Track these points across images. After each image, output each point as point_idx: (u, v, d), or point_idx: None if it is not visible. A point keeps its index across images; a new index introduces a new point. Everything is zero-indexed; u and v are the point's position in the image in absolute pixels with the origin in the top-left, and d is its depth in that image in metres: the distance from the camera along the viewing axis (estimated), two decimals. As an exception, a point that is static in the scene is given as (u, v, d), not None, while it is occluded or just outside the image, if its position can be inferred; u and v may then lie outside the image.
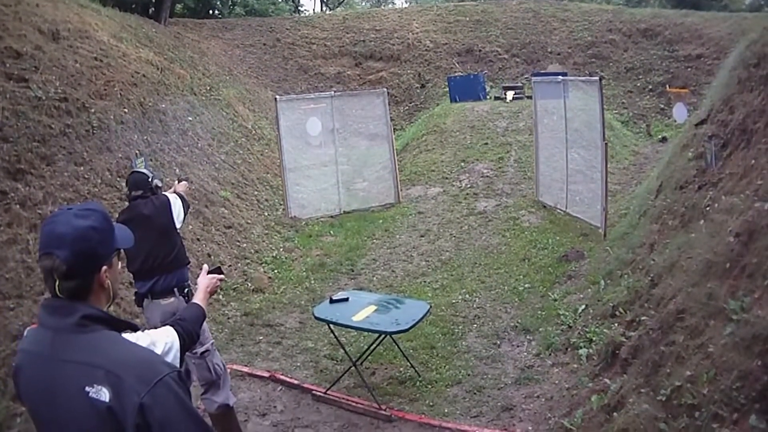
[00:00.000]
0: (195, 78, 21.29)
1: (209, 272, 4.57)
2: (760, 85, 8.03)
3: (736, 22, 29.72)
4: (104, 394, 2.68)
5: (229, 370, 8.16)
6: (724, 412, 4.67)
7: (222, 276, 4.67)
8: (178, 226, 7.58)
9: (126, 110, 14.45)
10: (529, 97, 21.73)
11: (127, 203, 7.69)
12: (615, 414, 6.42)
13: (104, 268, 2.99)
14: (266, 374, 9.59)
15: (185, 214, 7.86)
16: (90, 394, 2.70)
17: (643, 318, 7.51)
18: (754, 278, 5.44)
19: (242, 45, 31.38)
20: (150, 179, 7.58)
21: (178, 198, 7.74)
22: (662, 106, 26.84)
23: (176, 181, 8.53)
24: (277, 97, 18.85)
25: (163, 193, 7.70)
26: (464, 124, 23.54)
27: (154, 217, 7.33)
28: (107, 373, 2.72)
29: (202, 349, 7.25)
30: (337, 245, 15.86)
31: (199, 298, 4.30)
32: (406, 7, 49.87)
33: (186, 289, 7.39)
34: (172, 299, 7.22)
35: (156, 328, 7.14)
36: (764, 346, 4.58)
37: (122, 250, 3.24)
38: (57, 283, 2.87)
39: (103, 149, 12.71)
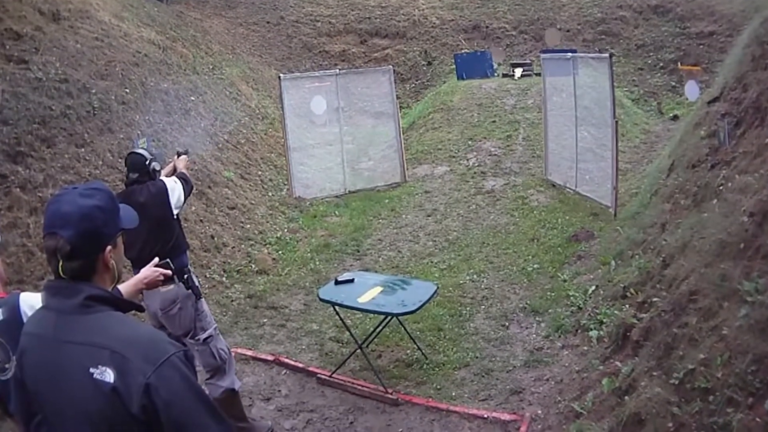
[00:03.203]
0: (197, 57, 21.23)
1: (156, 266, 4.55)
2: (775, 62, 8.00)
3: None
4: (109, 375, 2.68)
5: (233, 354, 8.16)
6: (738, 397, 4.64)
7: (168, 272, 4.63)
8: (175, 212, 7.39)
9: (127, 90, 14.43)
10: (538, 75, 21.61)
11: (124, 186, 7.52)
12: (626, 397, 6.40)
13: (108, 248, 3.00)
14: (270, 358, 9.61)
15: (186, 198, 7.64)
16: (95, 375, 2.70)
17: (654, 299, 7.48)
18: (769, 259, 5.41)
19: (245, 23, 31.16)
20: (147, 162, 7.32)
21: (178, 182, 7.48)
22: (674, 83, 26.65)
23: (175, 156, 8.22)
24: (281, 75, 18.81)
25: (162, 178, 7.45)
26: (471, 102, 23.38)
27: (150, 206, 7.05)
28: (112, 353, 2.72)
29: (205, 335, 7.29)
30: (342, 225, 15.84)
31: (128, 283, 4.31)
32: (412, -17, 49.55)
33: (186, 275, 7.15)
34: (172, 286, 6.80)
35: (156, 315, 6.99)
36: (780, 328, 4.55)
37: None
38: (60, 263, 2.87)
39: (105, 130, 12.70)
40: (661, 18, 29.79)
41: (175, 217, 7.41)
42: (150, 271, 4.47)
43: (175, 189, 7.36)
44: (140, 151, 7.50)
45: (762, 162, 6.95)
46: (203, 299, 7.54)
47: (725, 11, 28.43)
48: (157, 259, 4.65)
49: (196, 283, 7.26)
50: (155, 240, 7.10)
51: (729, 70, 10.37)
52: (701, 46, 27.73)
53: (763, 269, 5.39)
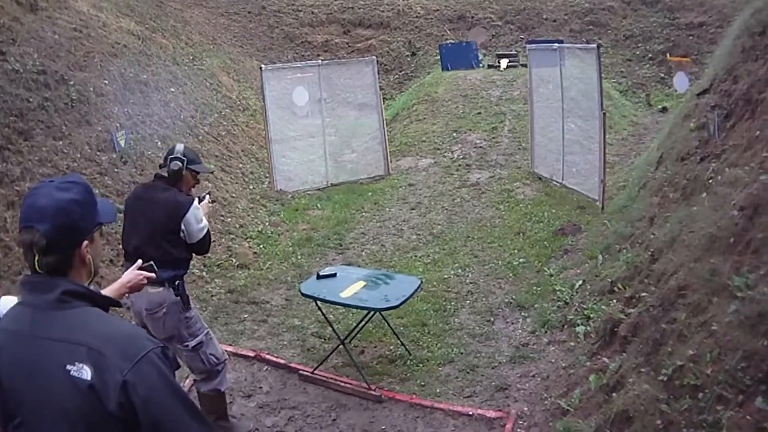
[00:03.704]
0: (177, 48, 21.13)
1: (140, 268, 4.50)
2: (766, 54, 8.00)
3: None
4: (86, 372, 2.67)
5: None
6: (728, 394, 4.65)
7: (152, 275, 4.59)
8: (182, 235, 6.93)
9: (106, 82, 14.35)
10: (524, 65, 21.64)
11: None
12: (614, 394, 6.41)
13: (85, 243, 2.98)
14: (251, 353, 9.55)
15: (198, 242, 7.08)
16: (71, 372, 2.69)
17: (642, 294, 7.50)
18: (759, 254, 5.42)
19: (226, 13, 31.01)
20: (171, 156, 7.02)
21: (203, 225, 7.06)
22: (662, 75, 26.72)
23: (195, 200, 7.47)
24: (263, 66, 18.74)
25: (196, 202, 7.05)
26: (456, 93, 23.41)
27: (162, 209, 6.86)
28: (89, 350, 2.70)
29: (194, 342, 7.11)
30: (324, 219, 15.80)
31: (111, 287, 4.25)
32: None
33: (177, 281, 6.92)
34: (161, 289, 6.76)
35: (140, 314, 6.88)
36: (771, 325, 4.55)
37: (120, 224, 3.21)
38: (37, 258, 2.86)
39: (83, 123, 12.63)
40: (650, 8, 29.87)
41: (182, 237, 6.98)
42: (133, 274, 4.43)
43: (196, 220, 6.97)
44: (176, 146, 7.25)
45: (752, 155, 6.96)
46: (194, 307, 7.32)
47: (715, 2, 28.52)
48: (140, 261, 4.60)
49: (186, 292, 7.09)
50: (154, 244, 6.84)
51: (719, 62, 10.40)
52: (691, 37, 27.81)
53: (753, 264, 5.40)
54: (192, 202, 6.97)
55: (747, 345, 4.68)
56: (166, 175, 7.06)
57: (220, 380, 7.39)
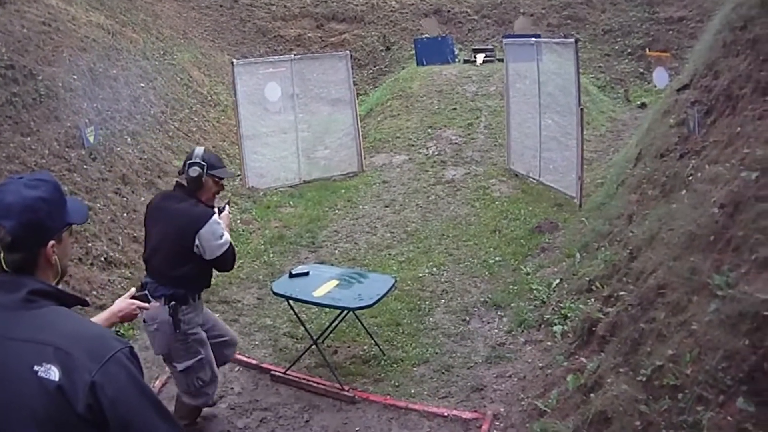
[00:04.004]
0: (148, 42, 21.10)
1: (134, 297, 4.39)
2: (747, 49, 7.99)
3: None
4: (54, 373, 2.65)
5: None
6: (709, 394, 4.65)
7: (145, 305, 4.52)
8: (195, 250, 6.59)
9: (75, 77, 14.28)
10: (501, 60, 21.67)
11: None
12: (592, 395, 6.41)
13: (52, 242, 2.97)
14: (221, 354, 9.50)
15: (217, 261, 6.79)
16: (39, 373, 2.66)
17: (621, 293, 7.51)
18: (740, 252, 5.41)
19: (198, 7, 30.92)
20: (189, 161, 6.71)
21: (227, 239, 6.77)
22: (641, 70, 26.87)
23: (216, 210, 7.23)
24: (234, 61, 18.68)
25: (217, 216, 6.77)
26: (431, 89, 23.47)
27: (177, 219, 6.60)
28: (56, 350, 2.69)
29: (182, 366, 6.89)
30: (297, 216, 15.76)
31: (101, 316, 4.14)
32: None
33: (172, 302, 6.61)
34: (158, 304, 6.56)
35: (145, 323, 6.76)
36: (752, 324, 4.55)
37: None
38: (2, 255, 2.85)
39: (51, 118, 12.56)
40: (629, 3, 30.02)
41: (197, 253, 6.64)
42: (126, 303, 4.29)
43: (215, 235, 6.62)
44: (195, 150, 6.88)
45: (733, 151, 6.97)
46: (193, 330, 6.92)
47: (695, -4, 28.66)
48: (134, 289, 4.51)
49: (180, 317, 6.69)
50: (162, 257, 6.68)
51: (699, 57, 10.41)
52: (670, 32, 27.97)
53: (734, 262, 5.40)
54: (210, 216, 6.63)
55: (728, 345, 4.68)
56: (185, 183, 6.78)
57: (205, 400, 7.32)
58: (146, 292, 4.59)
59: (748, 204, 5.66)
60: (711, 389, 4.63)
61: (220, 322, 8.00)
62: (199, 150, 6.86)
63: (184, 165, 6.76)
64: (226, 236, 6.77)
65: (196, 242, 6.52)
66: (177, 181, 6.98)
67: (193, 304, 6.88)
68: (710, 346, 4.93)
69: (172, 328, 6.66)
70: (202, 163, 6.70)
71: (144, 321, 6.72)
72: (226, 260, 6.87)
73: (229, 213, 7.48)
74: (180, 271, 6.60)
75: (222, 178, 7.01)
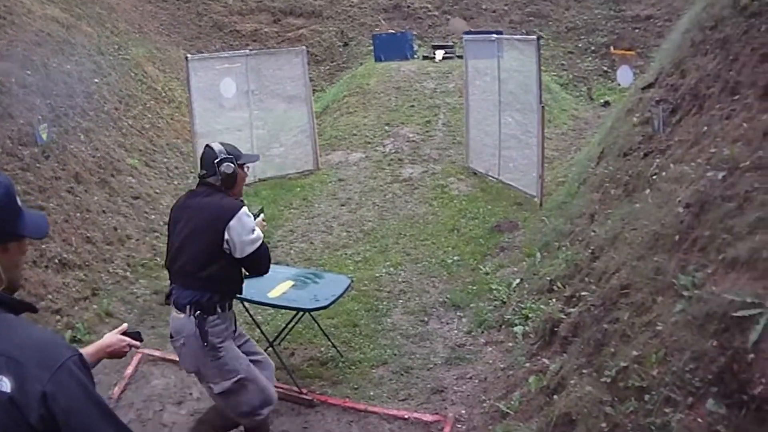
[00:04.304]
0: (102, 36, 20.89)
1: (125, 333, 4.16)
2: (716, 48, 8.05)
3: None
4: (5, 384, 2.59)
5: (139, 356, 7.97)
6: (677, 396, 4.65)
7: (136, 343, 4.24)
8: (225, 247, 6.14)
9: (29, 72, 14.14)
10: (461, 57, 21.70)
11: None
12: (555, 396, 6.42)
13: None
14: (178, 358, 9.41)
15: (249, 261, 6.32)
16: None
17: (583, 293, 7.53)
18: (707, 252, 5.43)
19: (154, 1, 30.69)
20: (217, 160, 6.32)
21: (256, 236, 6.29)
22: (605, 68, 27.01)
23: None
24: (189, 56, 18.50)
25: (245, 209, 6.27)
26: (389, 85, 23.46)
27: (202, 215, 6.22)
28: (8, 360, 2.63)
29: (219, 388, 6.34)
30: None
31: (87, 349, 3.87)
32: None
33: (198, 311, 6.14)
34: (182, 316, 6.20)
35: (171, 338, 6.49)
36: (720, 325, 4.56)
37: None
38: None
39: (4, 115, 12.43)
40: (595, 0, 30.10)
41: (226, 251, 6.19)
42: (116, 338, 4.10)
43: (245, 229, 6.19)
44: (215, 145, 6.51)
45: (699, 150, 7.01)
46: (226, 345, 6.38)
47: (665, -6, 28.86)
48: (125, 325, 4.29)
49: (206, 329, 6.16)
50: (189, 255, 6.23)
51: (666, 56, 10.48)
52: (637, 30, 28.14)
53: (700, 262, 5.42)
54: (240, 208, 6.22)
55: (695, 345, 4.68)
56: (215, 182, 6.36)
57: (261, 420, 6.74)
58: (139, 331, 4.32)
59: (714, 204, 5.68)
60: (679, 391, 4.64)
61: (252, 340, 7.44)
62: (217, 145, 6.51)
63: (211, 165, 6.35)
64: (258, 232, 6.39)
65: (226, 236, 6.08)
66: (202, 182, 6.49)
67: (223, 314, 6.36)
68: (677, 347, 4.94)
69: (200, 341, 6.17)
70: (231, 156, 6.39)
71: (171, 336, 6.49)
72: (260, 259, 6.42)
73: (264, 220, 7.26)
74: (207, 271, 6.16)
75: (247, 165, 6.73)
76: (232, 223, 6.07)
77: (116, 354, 4.13)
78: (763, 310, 4.20)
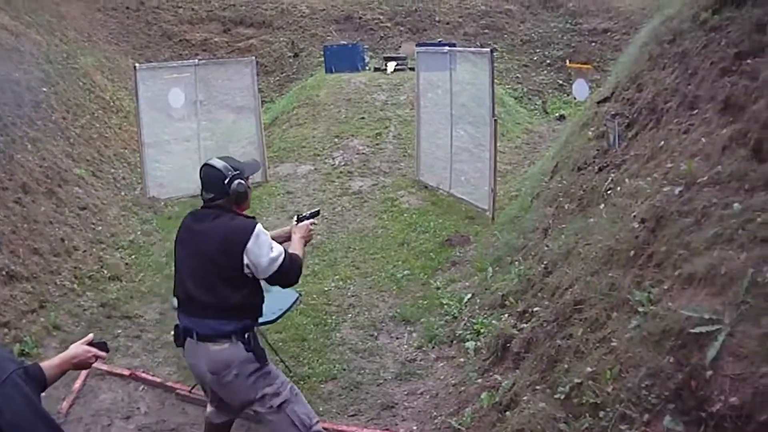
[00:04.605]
0: (52, 45, 20.78)
1: (91, 344, 4.05)
2: (675, 62, 8.13)
3: None
4: None
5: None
6: (632, 413, 4.66)
7: (102, 354, 4.19)
8: (247, 272, 5.80)
9: (-23, 81, 14.01)
10: (412, 69, 21.72)
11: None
12: (508, 413, 6.42)
13: None
14: (127, 372, 9.34)
15: (275, 277, 5.93)
16: None
17: (536, 309, 7.56)
18: (663, 268, 5.47)
19: (104, 8, 30.39)
20: (226, 180, 5.88)
21: (277, 252, 5.86)
22: (561, 82, 27.23)
23: (294, 219, 6.84)
24: (137, 65, 18.41)
25: (258, 227, 5.85)
26: (339, 97, 23.49)
27: (212, 242, 5.79)
28: None
29: (279, 400, 6.01)
30: (198, 228, 15.51)
31: (52, 361, 3.82)
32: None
33: (247, 334, 5.85)
34: (226, 345, 5.76)
35: (204, 378, 6.01)
36: (677, 341, 4.59)
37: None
38: None
39: (-48, 125, 12.31)
40: (551, 13, 30.41)
41: (249, 274, 5.85)
42: (82, 349, 3.99)
43: (263, 248, 5.80)
44: (217, 163, 6.03)
45: (656, 165, 7.06)
46: (270, 362, 6.16)
47: (623, 8, 29.22)
48: (91, 335, 4.16)
49: (260, 344, 5.96)
50: (207, 288, 5.79)
51: (623, 69, 10.56)
52: (593, 44, 28.42)
53: (656, 278, 5.45)
54: (254, 227, 5.82)
55: (651, 362, 4.70)
56: (225, 204, 5.95)
57: None
58: (105, 342, 4.13)
59: (671, 219, 5.72)
60: (635, 407, 4.65)
61: None
62: (219, 162, 6.02)
63: (219, 185, 5.89)
64: (278, 248, 5.92)
65: (245, 261, 5.74)
66: (210, 204, 6.04)
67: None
68: (632, 363, 4.95)
69: (255, 363, 5.87)
70: (238, 171, 5.96)
71: (212, 374, 5.83)
72: (288, 274, 6.03)
73: (312, 224, 6.78)
74: (234, 300, 5.81)
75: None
76: (249, 246, 5.72)
77: (82, 365, 4.06)
78: (722, 327, 4.23)
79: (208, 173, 5.96)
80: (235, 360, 5.76)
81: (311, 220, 6.70)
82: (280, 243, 6.22)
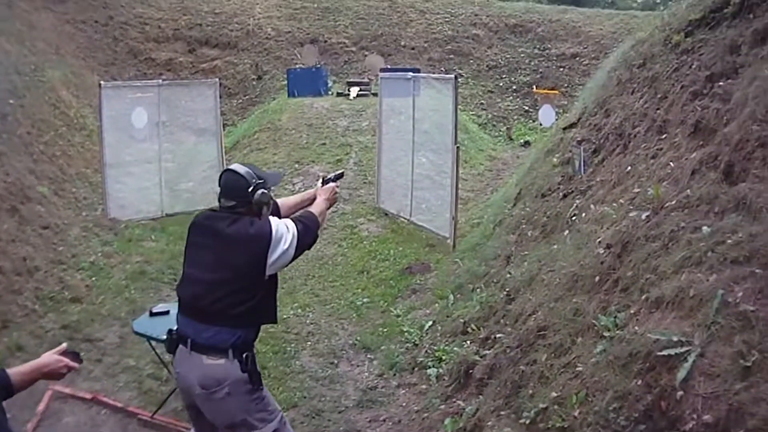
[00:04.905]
0: (20, 55, 20.69)
1: (64, 353, 3.98)
2: (644, 86, 8.21)
3: (622, 21, 30.69)
4: None
5: (50, 392, 7.80)
6: (601, 436, 4.68)
7: (75, 365, 4.05)
8: (268, 273, 5.59)
9: (-57, 91, 13.92)
10: (375, 95, 21.85)
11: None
12: (473, 438, 6.41)
13: None
14: (89, 396, 9.26)
15: (296, 256, 5.74)
16: None
17: (499, 335, 7.58)
18: (629, 292, 5.51)
19: (73, 21, 30.09)
20: (250, 188, 5.60)
21: (292, 231, 5.66)
22: (527, 108, 27.37)
23: (319, 181, 6.65)
24: (102, 83, 18.30)
25: (270, 219, 5.68)
26: (301, 122, 23.49)
27: (235, 248, 5.53)
28: None
29: (269, 428, 5.73)
30: (158, 251, 15.49)
31: (22, 368, 3.82)
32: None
33: (246, 354, 5.54)
34: (222, 360, 5.47)
35: (191, 392, 5.65)
36: (644, 364, 4.61)
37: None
38: None
39: None
40: (520, 38, 30.63)
41: (267, 278, 5.64)
42: (54, 359, 3.92)
43: (282, 243, 5.58)
44: (240, 169, 5.75)
45: (623, 191, 7.12)
46: (264, 387, 5.85)
47: (593, 33, 29.47)
48: (65, 345, 4.10)
49: (257, 367, 5.67)
50: (224, 294, 5.50)
51: (590, 95, 10.65)
52: (562, 69, 28.64)
53: (622, 303, 5.48)
54: (270, 227, 5.59)
55: (618, 385, 4.72)
56: (246, 211, 5.66)
57: None
58: (78, 352, 3.99)
59: (637, 244, 5.76)
60: (603, 430, 4.67)
61: None
62: (242, 168, 5.76)
63: (243, 193, 5.61)
64: (290, 231, 5.64)
65: (270, 261, 5.52)
66: (225, 208, 5.75)
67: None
68: (598, 387, 4.98)
69: (250, 386, 5.60)
70: (261, 180, 5.69)
71: (202, 388, 5.53)
72: (306, 242, 5.79)
73: (337, 186, 6.61)
74: (247, 305, 5.56)
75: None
76: (272, 244, 5.50)
77: (53, 375, 3.97)
78: (692, 348, 4.26)
79: (232, 180, 5.69)
80: (228, 378, 5.49)
81: (336, 183, 6.55)
82: (306, 206, 6.25)
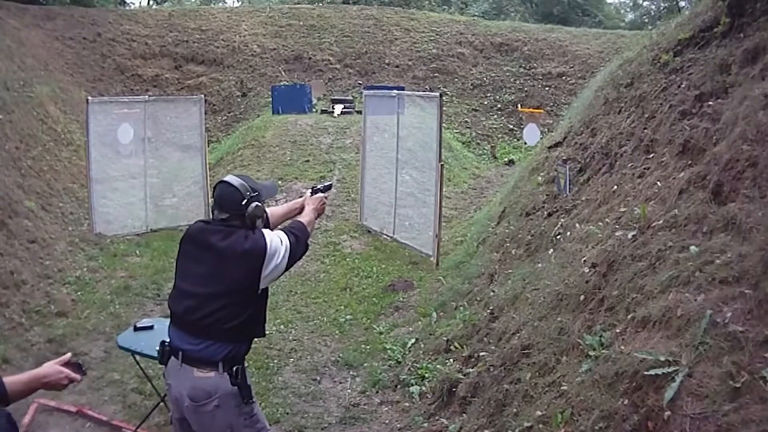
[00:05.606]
0: (10, 71, 20.68)
1: (66, 364, 3.91)
2: (632, 106, 8.20)
3: (609, 40, 30.91)
4: None
5: (35, 405, 7.72)
6: (587, 454, 4.64)
7: (76, 377, 3.98)
8: (262, 286, 5.47)
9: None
10: (360, 112, 21.81)
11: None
12: (456, 456, 6.37)
13: None
14: (74, 409, 9.20)
15: (288, 266, 5.62)
16: None
17: (482, 353, 7.54)
18: (615, 311, 5.47)
19: (62, 37, 30.32)
20: (244, 201, 5.45)
21: (286, 242, 5.54)
22: (511, 126, 27.45)
23: (308, 191, 6.55)
24: (90, 98, 18.27)
25: (264, 232, 5.53)
26: (285, 139, 23.54)
27: (229, 261, 5.37)
28: None
29: None
30: (143, 267, 15.48)
31: (20, 377, 3.74)
32: (236, 7, 48.41)
33: (236, 367, 5.38)
34: (212, 373, 5.33)
35: (180, 403, 5.47)
36: (631, 383, 4.57)
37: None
38: None
39: None
40: (505, 57, 30.72)
41: (259, 291, 5.53)
42: (55, 369, 3.84)
43: (276, 257, 5.46)
44: (234, 181, 5.60)
45: (608, 210, 7.10)
46: (256, 402, 5.71)
47: (579, 52, 29.57)
48: (69, 355, 4.01)
49: (248, 382, 5.52)
50: (217, 308, 5.35)
51: (576, 114, 10.65)
52: (547, 88, 28.73)
53: (608, 322, 5.44)
54: (265, 240, 5.44)
55: (604, 405, 4.68)
56: (239, 224, 5.50)
57: None
58: (81, 362, 3.86)
59: (623, 263, 5.73)
60: (589, 449, 4.63)
61: None
62: (236, 180, 5.58)
63: (237, 206, 5.46)
64: (282, 240, 5.52)
65: (264, 273, 5.40)
66: (220, 219, 5.58)
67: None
68: (584, 406, 4.93)
69: (240, 399, 5.41)
70: (256, 193, 5.55)
71: (191, 401, 5.37)
72: (298, 253, 5.69)
73: (326, 198, 6.54)
74: (240, 319, 5.41)
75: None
76: (266, 259, 5.37)
77: (53, 386, 3.86)
78: (679, 368, 4.22)
79: (226, 192, 5.54)
80: (218, 391, 5.33)
81: (325, 194, 6.50)
82: (294, 215, 6.18)
